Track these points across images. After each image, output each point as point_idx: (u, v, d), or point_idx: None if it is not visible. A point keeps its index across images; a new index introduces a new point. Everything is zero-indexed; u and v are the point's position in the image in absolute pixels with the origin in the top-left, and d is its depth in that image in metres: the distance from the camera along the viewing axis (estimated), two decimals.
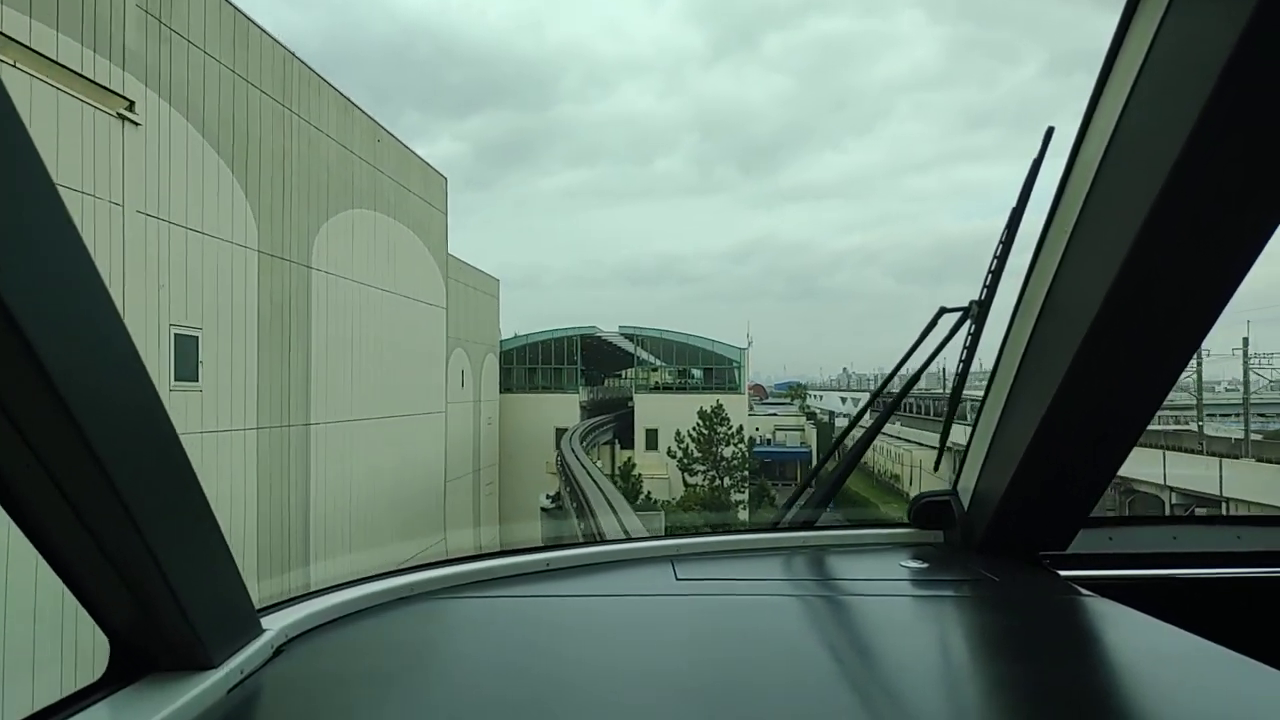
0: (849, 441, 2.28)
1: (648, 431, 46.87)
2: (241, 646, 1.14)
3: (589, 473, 26.60)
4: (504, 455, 45.11)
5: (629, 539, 1.90)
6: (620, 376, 70.69)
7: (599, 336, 49.80)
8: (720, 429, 43.21)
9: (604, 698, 1.11)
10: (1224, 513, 20.17)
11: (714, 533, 2.05)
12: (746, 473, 44.34)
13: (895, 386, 2.32)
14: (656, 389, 48.18)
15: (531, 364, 48.46)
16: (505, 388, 47.53)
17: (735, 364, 47.52)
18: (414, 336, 21.97)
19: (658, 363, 49.96)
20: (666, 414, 45.51)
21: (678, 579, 1.69)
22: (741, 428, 43.33)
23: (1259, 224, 1.18)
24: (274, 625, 1.25)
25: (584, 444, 40.16)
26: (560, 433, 46.50)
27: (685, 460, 42.66)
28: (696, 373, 48.26)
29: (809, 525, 2.02)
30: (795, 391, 72.13)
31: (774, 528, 2.07)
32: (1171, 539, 1.96)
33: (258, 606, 1.26)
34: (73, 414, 0.76)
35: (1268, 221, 1.18)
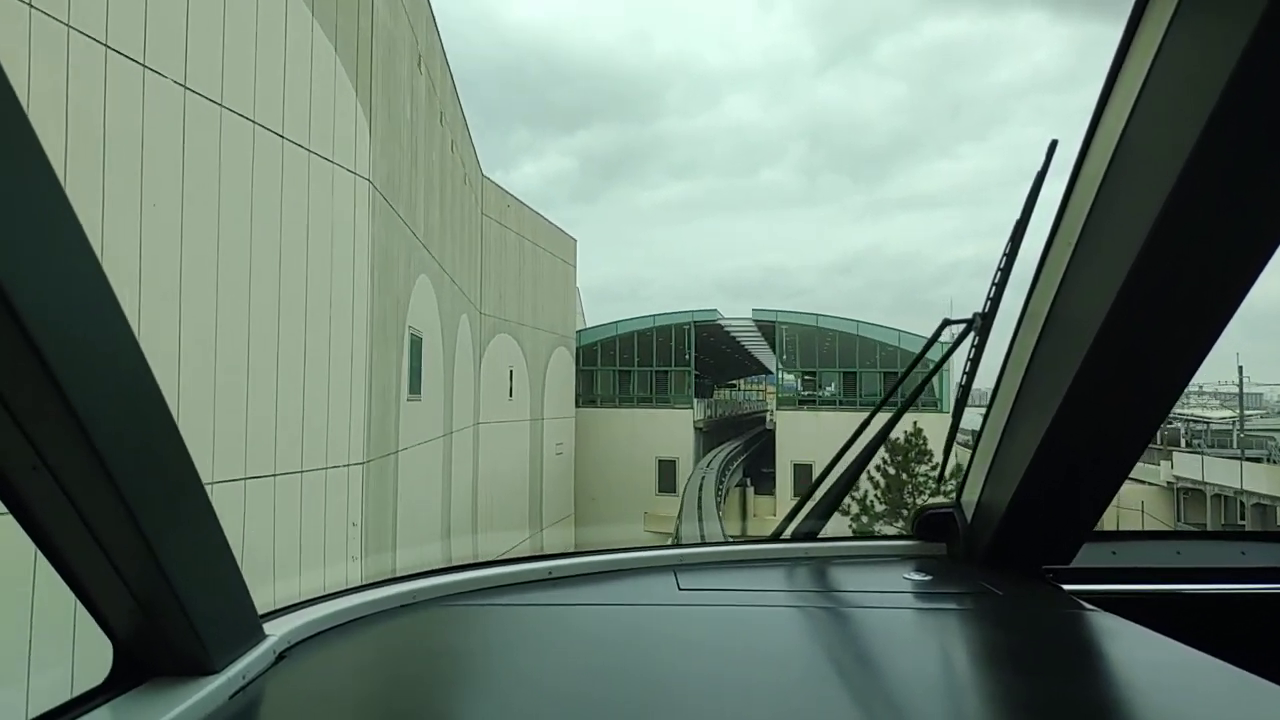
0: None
1: (796, 468, 30.75)
2: (244, 652, 1.14)
3: None
4: (581, 500, 30.12)
5: (631, 548, 1.91)
6: (735, 386, 54.70)
7: (719, 324, 34.01)
8: (920, 468, 26.84)
9: (606, 707, 1.12)
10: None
11: (716, 543, 2.10)
12: None
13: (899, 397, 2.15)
14: (810, 403, 31.87)
15: (624, 364, 33.24)
16: (586, 399, 32.59)
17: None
18: (239, 220, 6.85)
19: (775, 362, 33.74)
20: (826, 441, 29.21)
21: (680, 589, 1.67)
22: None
23: (1264, 236, 1.20)
24: (276, 631, 1.25)
25: (719, 497, 24.31)
26: (667, 468, 31.20)
27: (865, 516, 26.56)
28: (839, 378, 31.69)
29: (811, 536, 2.02)
30: None
31: (776, 538, 2.07)
32: (1175, 554, 1.94)
33: (260, 612, 1.26)
34: (79, 418, 0.77)
35: (1273, 233, 1.20)
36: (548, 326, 28.07)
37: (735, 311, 34.08)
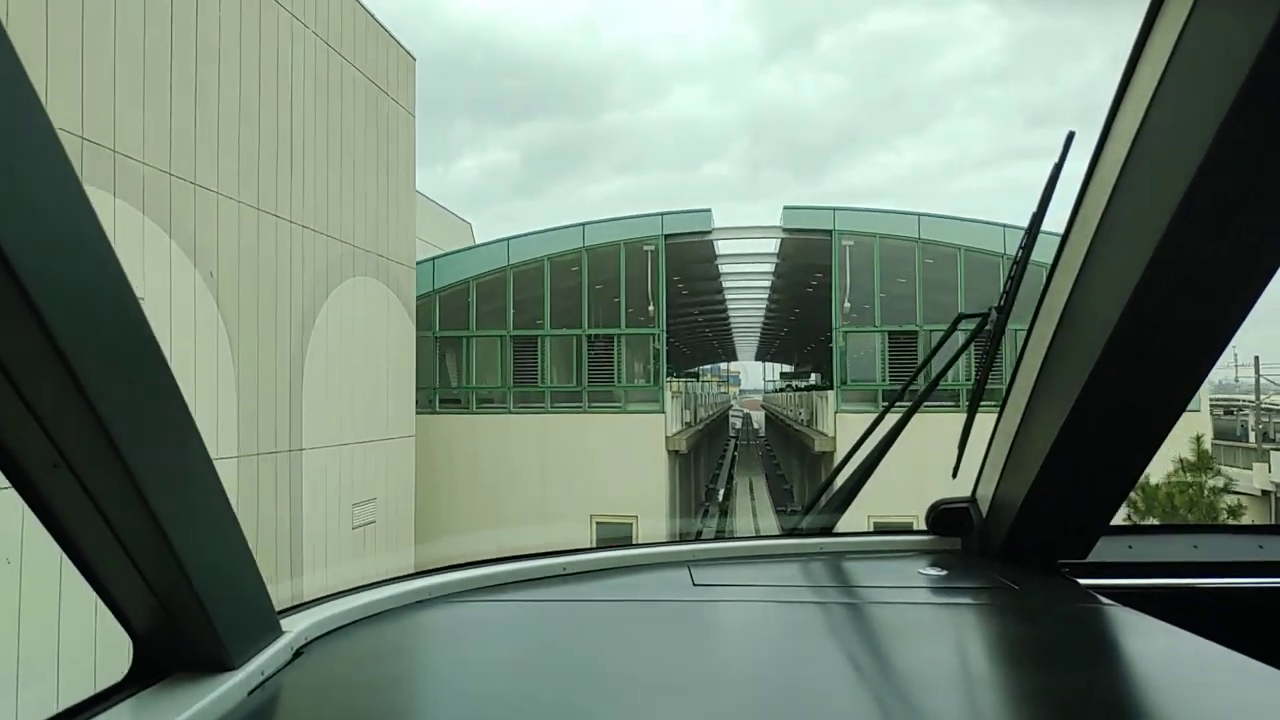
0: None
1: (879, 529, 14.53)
2: (262, 648, 1.15)
3: None
4: None
5: (645, 543, 1.95)
6: (695, 375, 38.38)
7: (710, 240, 17.61)
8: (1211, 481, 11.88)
9: (622, 703, 1.14)
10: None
11: (731, 538, 2.08)
12: None
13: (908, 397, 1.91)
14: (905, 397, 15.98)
15: (523, 325, 16.73)
16: (444, 397, 15.98)
17: None
18: None
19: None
20: (936, 465, 13.31)
21: (695, 584, 1.70)
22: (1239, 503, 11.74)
23: None
24: (293, 627, 1.26)
25: None
26: (614, 540, 14.97)
27: None
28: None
29: (826, 531, 2.04)
30: None
31: (791, 533, 2.10)
32: (1192, 548, 1.93)
33: (277, 609, 1.27)
34: (99, 415, 0.77)
35: None
36: (331, 228, 11.44)
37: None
